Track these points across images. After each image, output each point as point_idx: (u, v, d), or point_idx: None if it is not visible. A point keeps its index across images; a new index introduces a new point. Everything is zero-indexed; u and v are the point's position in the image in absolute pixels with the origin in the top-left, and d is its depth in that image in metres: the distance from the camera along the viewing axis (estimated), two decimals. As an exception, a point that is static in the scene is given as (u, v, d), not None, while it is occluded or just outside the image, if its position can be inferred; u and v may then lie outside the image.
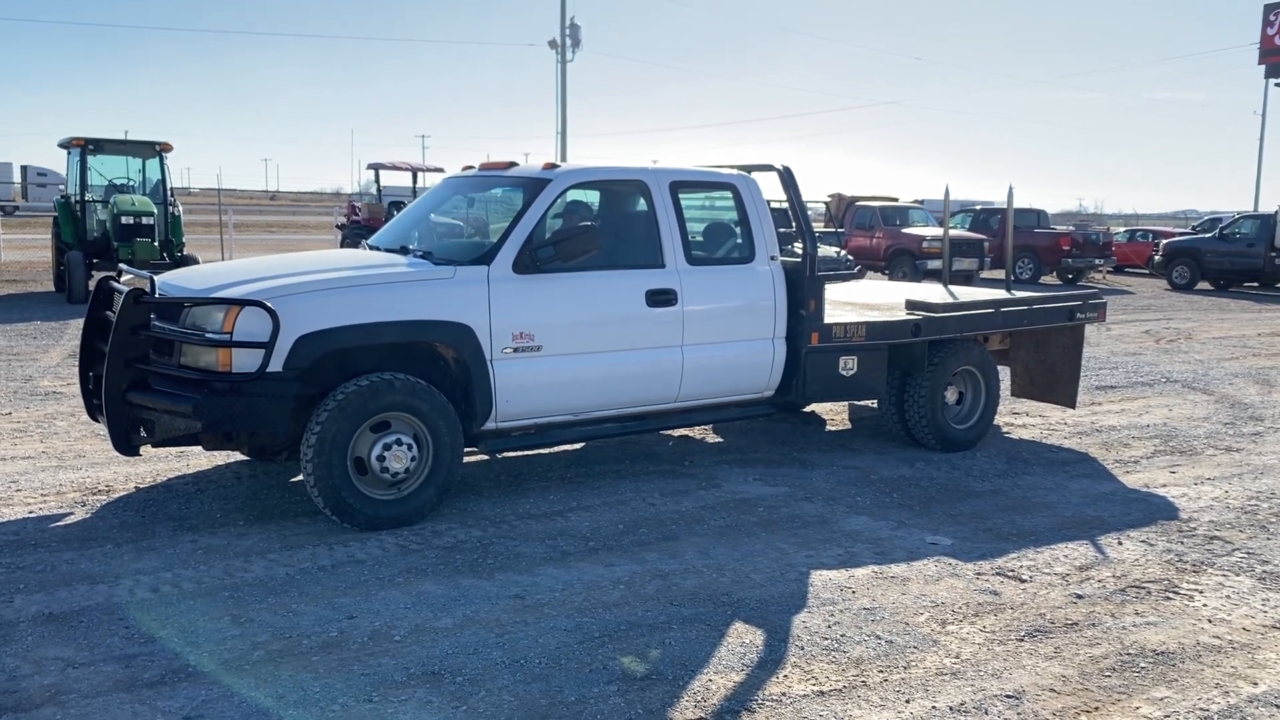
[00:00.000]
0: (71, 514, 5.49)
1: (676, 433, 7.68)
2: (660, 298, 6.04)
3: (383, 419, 5.26)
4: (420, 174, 24.86)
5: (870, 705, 3.65)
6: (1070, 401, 8.11)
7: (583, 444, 7.21)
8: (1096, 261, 24.92)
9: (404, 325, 5.32)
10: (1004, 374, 8.35)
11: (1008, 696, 3.74)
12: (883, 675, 3.88)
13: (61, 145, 17.48)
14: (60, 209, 17.12)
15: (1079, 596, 4.70)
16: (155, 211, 16.42)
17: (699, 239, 6.68)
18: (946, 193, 9.04)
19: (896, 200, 24.47)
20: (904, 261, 21.82)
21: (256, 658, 3.86)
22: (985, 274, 21.81)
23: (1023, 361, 8.30)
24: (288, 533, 5.26)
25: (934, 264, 20.97)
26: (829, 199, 24.82)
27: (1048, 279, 24.67)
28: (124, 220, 15.95)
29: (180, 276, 5.89)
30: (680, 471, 6.65)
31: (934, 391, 7.19)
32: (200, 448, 5.71)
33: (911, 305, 7.27)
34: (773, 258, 6.52)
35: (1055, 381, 8.11)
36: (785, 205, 6.95)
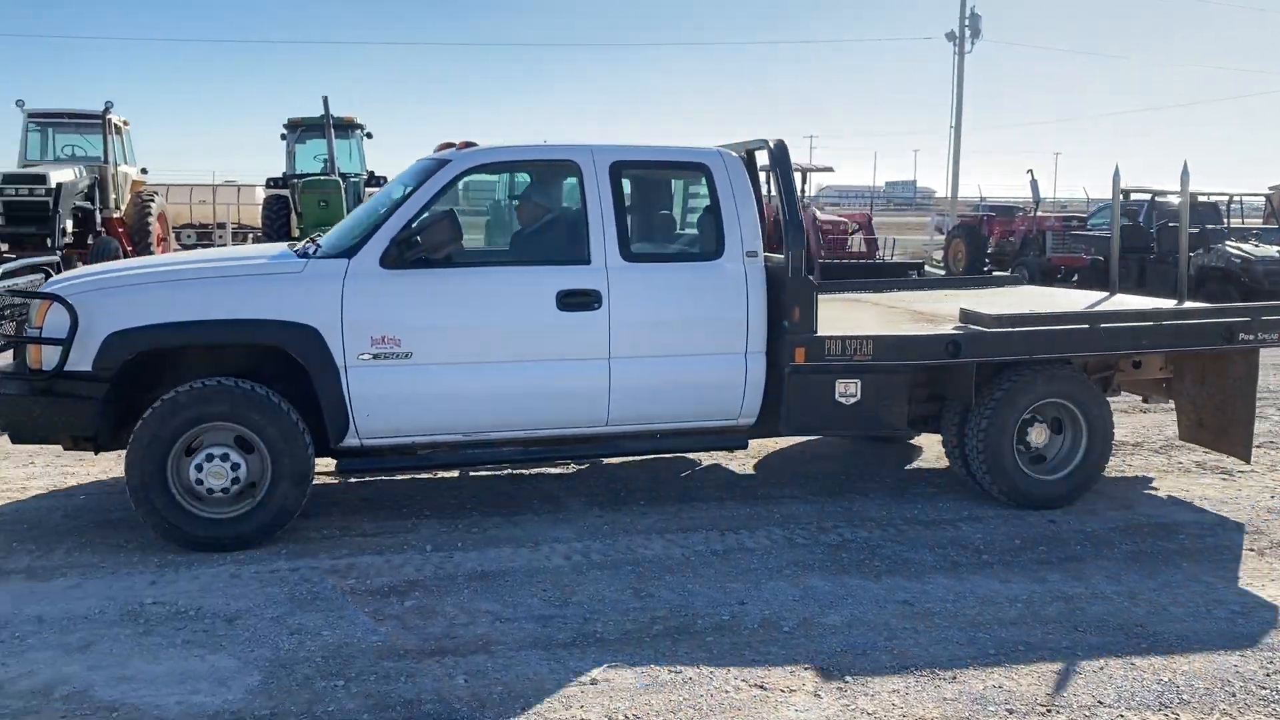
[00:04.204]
0: (498, 483, 6.14)
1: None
2: (576, 300, 5.12)
3: (211, 429, 4.81)
4: (809, 174, 25.07)
5: (1321, 772, 3.18)
6: (1243, 453, 6.04)
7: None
8: None
9: (227, 325, 4.81)
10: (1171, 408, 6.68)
11: None
12: (1337, 740, 3.36)
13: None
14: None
15: None
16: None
17: (646, 230, 5.77)
18: None
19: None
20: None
21: (655, 631, 4.10)
22: None
23: (1188, 396, 6.30)
24: (684, 515, 5.53)
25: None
26: (1270, 191, 21.82)
27: None
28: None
29: (74, 272, 5.63)
30: (1085, 488, 6.16)
31: (997, 430, 5.59)
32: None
33: (965, 316, 5.82)
34: (750, 254, 5.37)
35: (1228, 424, 6.06)
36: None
